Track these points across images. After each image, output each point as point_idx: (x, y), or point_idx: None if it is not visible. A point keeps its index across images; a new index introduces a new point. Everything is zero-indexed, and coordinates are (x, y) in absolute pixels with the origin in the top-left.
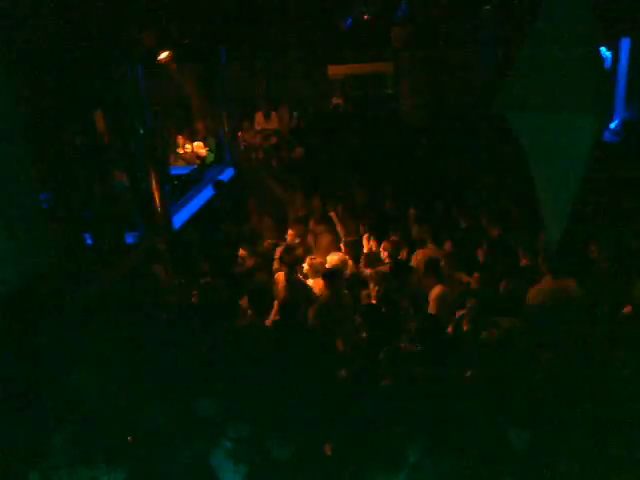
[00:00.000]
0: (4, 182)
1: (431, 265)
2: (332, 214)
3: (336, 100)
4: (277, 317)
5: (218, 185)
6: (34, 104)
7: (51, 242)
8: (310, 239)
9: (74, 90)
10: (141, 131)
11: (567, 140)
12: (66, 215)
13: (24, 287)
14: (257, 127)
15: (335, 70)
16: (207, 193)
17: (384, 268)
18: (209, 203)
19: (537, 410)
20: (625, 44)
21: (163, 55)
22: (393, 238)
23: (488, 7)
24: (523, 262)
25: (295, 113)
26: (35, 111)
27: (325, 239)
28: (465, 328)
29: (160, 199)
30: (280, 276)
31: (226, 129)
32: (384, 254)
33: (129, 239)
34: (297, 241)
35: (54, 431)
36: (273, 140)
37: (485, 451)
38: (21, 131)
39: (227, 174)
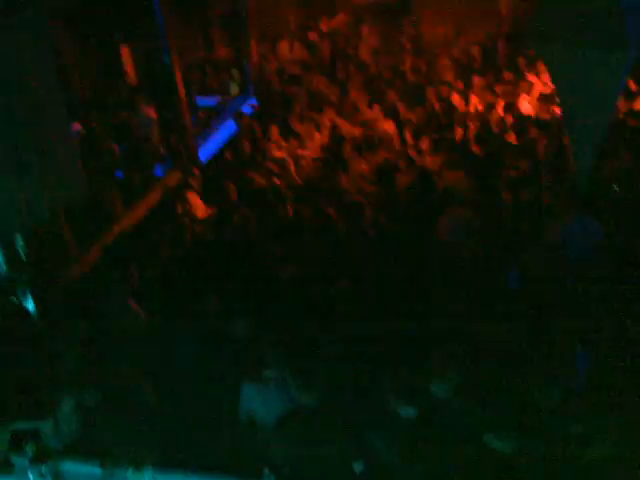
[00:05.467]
0: (36, 113)
1: None
2: None
3: None
4: None
5: (239, 118)
6: (63, 36)
7: (82, 176)
8: None
9: (100, 22)
10: (167, 61)
11: (597, 76)
12: (97, 148)
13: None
14: (281, 58)
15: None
16: (232, 126)
17: None
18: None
19: None
20: None
21: None
22: None
23: None
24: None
25: None
26: (63, 43)
27: None
28: None
29: (187, 130)
30: None
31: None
32: None
33: (157, 172)
34: None
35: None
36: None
37: None
38: (52, 62)
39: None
